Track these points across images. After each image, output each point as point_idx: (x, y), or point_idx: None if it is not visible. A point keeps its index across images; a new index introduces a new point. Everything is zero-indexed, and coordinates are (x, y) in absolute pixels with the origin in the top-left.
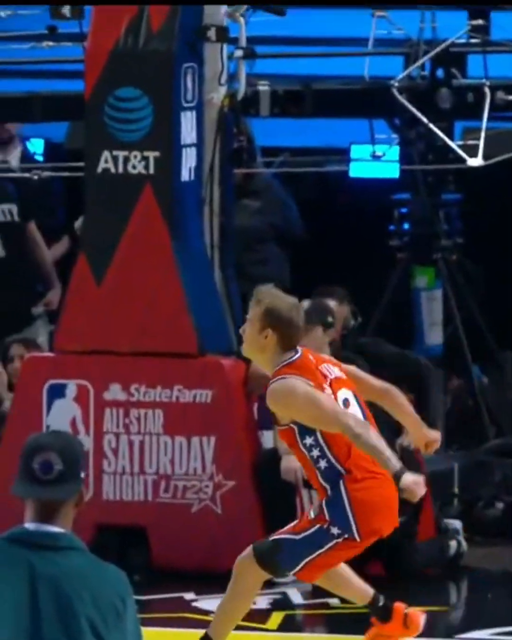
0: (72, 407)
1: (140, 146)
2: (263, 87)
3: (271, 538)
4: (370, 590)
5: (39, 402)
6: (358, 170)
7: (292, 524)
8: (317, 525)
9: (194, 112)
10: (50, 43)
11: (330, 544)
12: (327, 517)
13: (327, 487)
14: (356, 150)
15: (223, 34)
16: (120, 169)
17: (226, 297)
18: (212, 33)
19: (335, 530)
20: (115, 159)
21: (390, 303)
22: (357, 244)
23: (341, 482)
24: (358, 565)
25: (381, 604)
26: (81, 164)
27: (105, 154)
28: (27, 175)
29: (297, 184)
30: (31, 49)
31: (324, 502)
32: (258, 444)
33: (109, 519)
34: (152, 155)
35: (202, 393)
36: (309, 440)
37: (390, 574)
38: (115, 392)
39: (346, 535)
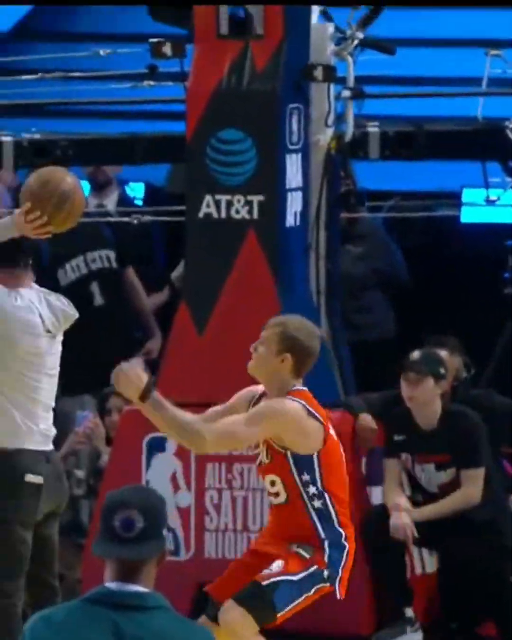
0: (172, 461)
1: (243, 190)
2: (372, 128)
3: (263, 583)
4: None
5: (138, 456)
6: (470, 215)
7: (279, 566)
8: (315, 567)
9: (299, 155)
10: (151, 83)
11: (316, 588)
12: (326, 559)
13: (323, 537)
14: (468, 194)
15: (330, 73)
16: (223, 214)
17: (333, 347)
18: (318, 72)
19: (326, 574)
20: (217, 203)
21: (504, 354)
22: (469, 291)
23: (345, 548)
24: (469, 626)
25: None
26: (182, 208)
27: (208, 198)
28: (125, 219)
29: (406, 229)
30: (131, 89)
31: (327, 543)
32: (366, 500)
33: (210, 577)
34: (256, 199)
35: None
36: (306, 476)
37: (504, 634)
38: None
39: (329, 583)
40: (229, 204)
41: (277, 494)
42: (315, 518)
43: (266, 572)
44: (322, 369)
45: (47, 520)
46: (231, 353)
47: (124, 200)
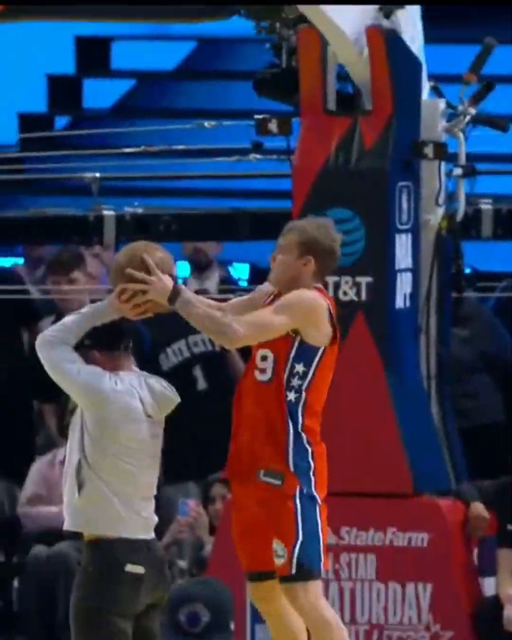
0: None
1: (352, 271)
2: (485, 206)
3: (284, 575)
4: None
5: None
6: None
7: (280, 546)
8: (294, 496)
9: (409, 235)
10: (257, 156)
11: (319, 521)
12: (293, 471)
13: (290, 427)
14: None
15: (441, 151)
16: (331, 295)
17: (444, 433)
18: (429, 149)
19: (307, 491)
20: (324, 285)
21: None
22: None
23: (308, 452)
24: None
25: None
26: None
27: None
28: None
29: None
30: (236, 163)
31: (291, 448)
32: (478, 591)
33: None
34: (364, 280)
35: (417, 536)
36: (300, 369)
37: None
38: None
39: (319, 502)
40: (337, 286)
41: (263, 371)
42: (286, 409)
43: (279, 562)
44: (433, 456)
45: (148, 612)
46: (339, 439)
47: (228, 281)
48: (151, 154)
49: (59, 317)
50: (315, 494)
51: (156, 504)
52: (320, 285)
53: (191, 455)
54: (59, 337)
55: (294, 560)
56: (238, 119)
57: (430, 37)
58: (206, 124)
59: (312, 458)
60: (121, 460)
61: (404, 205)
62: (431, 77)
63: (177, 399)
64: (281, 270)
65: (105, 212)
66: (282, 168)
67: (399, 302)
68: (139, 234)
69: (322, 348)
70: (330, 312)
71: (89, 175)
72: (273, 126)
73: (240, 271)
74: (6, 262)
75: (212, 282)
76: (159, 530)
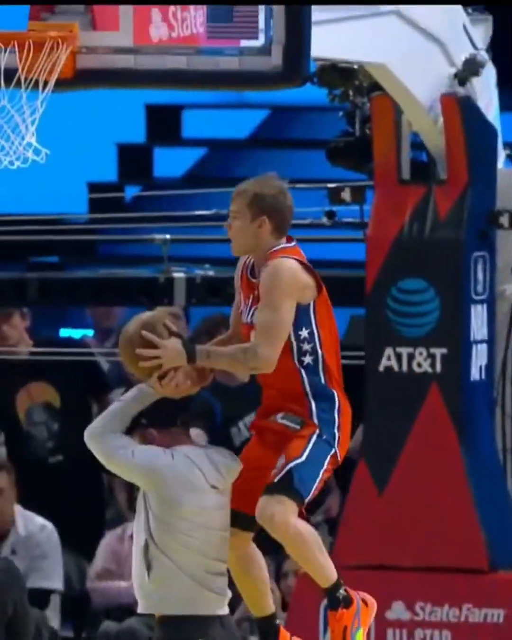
0: None
1: (426, 342)
2: None
3: (274, 480)
4: (273, 607)
5: (314, 621)
6: None
7: (282, 460)
8: (310, 436)
9: (484, 305)
10: (328, 222)
11: (327, 460)
12: (315, 420)
13: (310, 391)
14: None
15: None
16: (405, 367)
17: None
18: (505, 219)
19: (324, 437)
20: (398, 356)
21: None
22: None
23: (334, 400)
24: None
25: (276, 622)
26: (361, 361)
27: (388, 350)
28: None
29: None
30: (309, 229)
31: (313, 400)
32: None
33: None
34: (439, 352)
35: (493, 613)
36: (304, 331)
37: None
38: (398, 611)
39: (334, 450)
40: (411, 357)
41: None
42: (303, 373)
43: (274, 471)
44: (509, 531)
45: None
46: (412, 514)
47: None
48: (223, 217)
49: (128, 388)
50: (335, 444)
51: (228, 579)
52: (281, 243)
53: (264, 530)
54: (106, 427)
55: (286, 471)
56: (311, 188)
57: (505, 104)
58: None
59: (338, 412)
60: (188, 536)
61: (480, 275)
62: (506, 145)
63: (240, 466)
64: (239, 238)
65: (176, 275)
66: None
67: (474, 374)
68: (209, 297)
69: (312, 302)
70: (303, 265)
71: (159, 237)
72: (346, 195)
73: None
74: (76, 333)
75: None
76: (233, 605)
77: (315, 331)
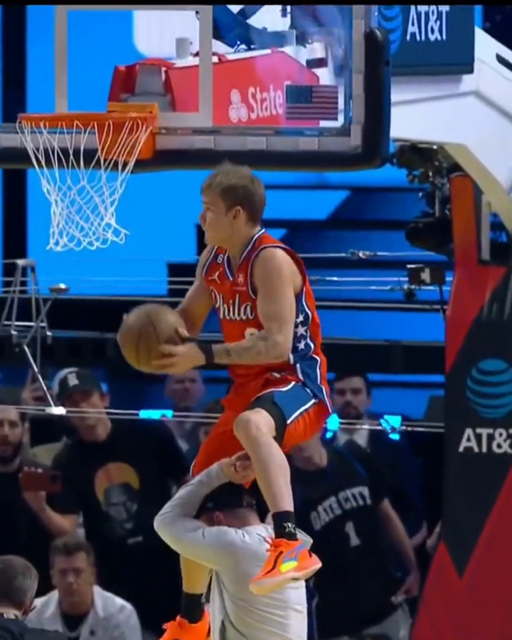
0: None
1: (506, 423)
2: None
3: (253, 400)
4: (204, 589)
5: None
6: None
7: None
8: (292, 382)
9: None
10: (405, 301)
11: (309, 403)
12: (300, 376)
13: (296, 364)
14: None
15: None
16: (484, 448)
17: None
18: None
19: (308, 391)
20: (478, 437)
21: None
22: None
23: (317, 360)
24: None
25: (202, 602)
26: (440, 442)
27: (468, 431)
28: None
29: None
30: (389, 309)
31: (298, 362)
32: None
33: None
34: None
35: None
36: (299, 317)
37: None
38: None
39: (319, 399)
40: (491, 438)
41: None
42: (292, 357)
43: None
44: None
45: None
46: (492, 600)
47: (378, 435)
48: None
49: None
50: (321, 396)
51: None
52: (258, 231)
53: (345, 610)
54: (175, 512)
55: (267, 392)
56: (391, 269)
57: None
58: (360, 254)
59: (320, 370)
60: (266, 613)
61: None
62: None
63: (310, 540)
64: (214, 229)
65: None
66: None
67: None
68: None
69: (302, 288)
70: (288, 252)
71: None
72: (426, 276)
73: (393, 423)
74: (155, 414)
75: (361, 434)
76: None
77: (308, 314)
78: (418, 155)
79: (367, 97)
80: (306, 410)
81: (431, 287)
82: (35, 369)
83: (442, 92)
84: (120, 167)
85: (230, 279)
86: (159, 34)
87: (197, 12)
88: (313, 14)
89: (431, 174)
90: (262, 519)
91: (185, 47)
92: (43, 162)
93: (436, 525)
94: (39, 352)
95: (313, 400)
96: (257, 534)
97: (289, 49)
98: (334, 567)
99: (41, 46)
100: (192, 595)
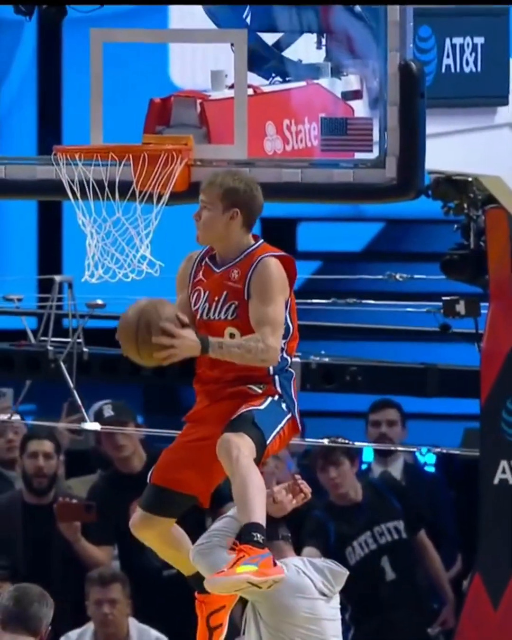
0: None
1: None
2: None
3: (232, 418)
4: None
5: None
6: None
7: (241, 407)
8: (269, 398)
9: None
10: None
11: (284, 420)
12: (277, 388)
13: (275, 375)
14: None
15: None
16: None
17: None
18: None
19: (283, 406)
20: None
21: None
22: None
23: (292, 374)
24: None
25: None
26: (475, 474)
27: (503, 463)
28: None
29: None
30: (423, 341)
31: (276, 374)
32: None
33: None
34: None
35: None
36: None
37: None
38: None
39: (292, 414)
40: None
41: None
42: (270, 367)
43: (234, 415)
44: None
45: None
46: None
47: (414, 467)
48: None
49: None
50: (293, 410)
51: None
52: (252, 238)
53: None
54: (211, 543)
55: (245, 411)
56: (426, 301)
57: None
58: (398, 276)
59: (293, 381)
60: None
61: None
62: None
63: (345, 572)
64: (209, 228)
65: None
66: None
67: None
68: (324, 383)
69: (288, 299)
70: (285, 260)
71: None
72: (461, 308)
73: (428, 456)
74: None
75: (396, 467)
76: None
77: (291, 328)
78: (453, 187)
79: (402, 129)
80: (282, 427)
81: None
82: (71, 385)
83: (477, 124)
84: (155, 199)
85: (217, 271)
86: (194, 66)
87: (232, 45)
88: (348, 46)
89: (465, 205)
90: (298, 552)
91: (220, 79)
92: (78, 194)
93: (471, 558)
94: (75, 369)
95: (288, 416)
96: (294, 566)
97: (324, 81)
98: (370, 601)
99: (77, 78)
100: (194, 575)
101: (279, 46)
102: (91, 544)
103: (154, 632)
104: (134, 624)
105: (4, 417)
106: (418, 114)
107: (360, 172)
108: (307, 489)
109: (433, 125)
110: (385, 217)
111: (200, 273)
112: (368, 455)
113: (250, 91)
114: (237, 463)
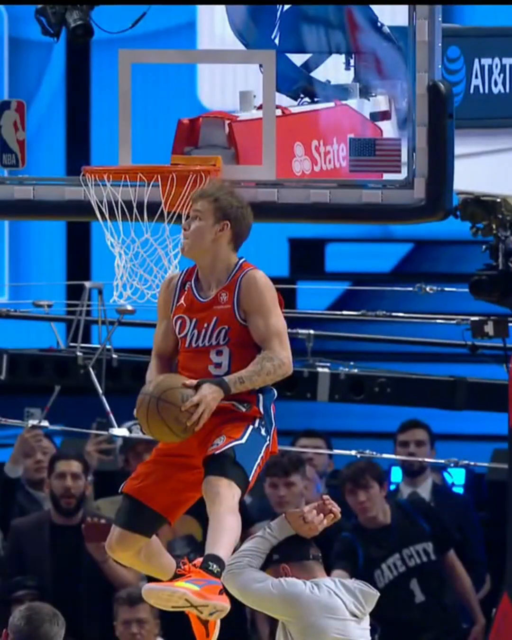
0: None
1: None
2: None
3: (214, 453)
4: (174, 564)
5: None
6: None
7: (221, 439)
8: (250, 426)
9: None
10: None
11: (263, 449)
12: (261, 408)
13: (259, 394)
14: None
15: None
16: None
17: None
18: None
19: (263, 431)
20: None
21: None
22: None
23: (274, 393)
24: None
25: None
26: (503, 495)
27: None
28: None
29: None
30: (452, 362)
31: (259, 396)
32: None
33: None
34: None
35: None
36: None
37: None
38: None
39: (269, 441)
40: None
41: (219, 365)
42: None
43: (212, 447)
44: None
45: None
46: None
47: (441, 488)
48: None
49: (272, 519)
50: (269, 436)
51: None
52: (244, 259)
53: None
54: (242, 563)
55: (228, 449)
56: (454, 322)
57: None
58: (428, 288)
59: (273, 406)
60: None
61: None
62: None
63: (376, 594)
64: (198, 237)
65: (320, 369)
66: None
67: None
68: (352, 394)
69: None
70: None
71: (303, 331)
72: (489, 329)
73: (456, 476)
74: None
75: (425, 488)
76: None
77: None
78: (481, 207)
79: (431, 150)
80: (262, 458)
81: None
82: (100, 391)
83: (506, 145)
84: (183, 219)
85: (203, 300)
86: (222, 87)
87: (260, 65)
88: (377, 67)
89: (494, 226)
90: (328, 572)
91: (248, 100)
92: (107, 215)
93: (500, 579)
94: (104, 374)
95: (266, 443)
96: (326, 586)
97: (352, 102)
98: (399, 623)
99: (105, 99)
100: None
101: (308, 67)
102: (119, 564)
103: None
104: None
105: (34, 421)
106: (446, 134)
107: (388, 193)
108: (336, 509)
109: (461, 145)
110: (414, 237)
111: (183, 298)
112: (396, 476)
113: (278, 112)
114: (220, 509)
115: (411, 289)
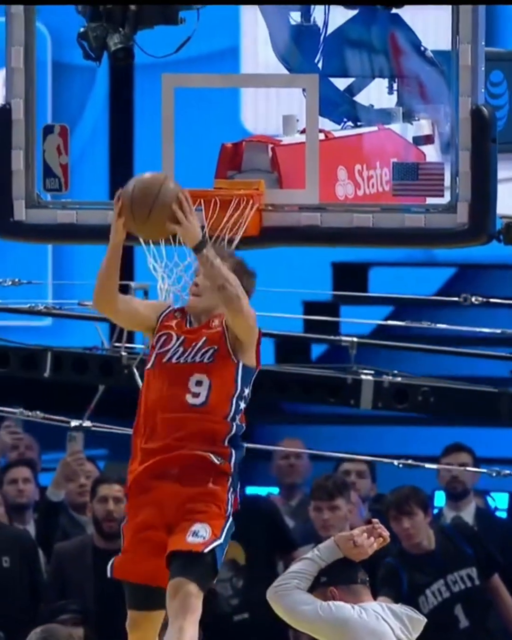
0: None
1: None
2: None
3: (203, 551)
4: None
5: None
6: None
7: (206, 531)
8: (230, 520)
9: None
10: None
11: (231, 528)
12: (232, 464)
13: (233, 452)
14: None
15: None
16: None
17: None
18: None
19: (229, 499)
20: None
21: None
22: None
23: (243, 448)
24: None
25: None
26: None
27: None
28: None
29: None
30: (496, 384)
31: (234, 454)
32: None
33: None
34: None
35: None
36: (247, 391)
37: None
38: None
39: (231, 519)
40: None
41: (197, 395)
42: (232, 427)
43: (195, 540)
44: None
45: None
46: None
47: (484, 512)
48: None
49: (316, 544)
50: (237, 491)
51: None
52: None
53: None
54: (291, 585)
55: (209, 553)
56: (499, 346)
57: None
58: (473, 299)
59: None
60: None
61: None
62: None
63: (423, 619)
64: (207, 296)
65: (364, 377)
66: None
67: None
68: (395, 403)
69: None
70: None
71: (347, 338)
72: None
73: (499, 501)
74: (262, 490)
75: (468, 512)
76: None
77: (249, 393)
78: None
79: (474, 174)
80: (228, 542)
81: None
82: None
83: None
84: (225, 243)
85: (193, 325)
86: (266, 111)
87: (304, 89)
88: (420, 91)
89: None
90: (375, 596)
91: (292, 124)
92: (150, 240)
93: None
94: None
95: (231, 519)
96: (373, 611)
97: (395, 126)
98: None
99: (148, 123)
100: None
101: (351, 91)
102: None
103: None
104: None
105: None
106: (490, 158)
107: (431, 217)
108: (386, 533)
109: (504, 170)
110: (457, 262)
111: (172, 320)
112: (440, 500)
113: (322, 136)
114: (183, 628)
115: (456, 298)
